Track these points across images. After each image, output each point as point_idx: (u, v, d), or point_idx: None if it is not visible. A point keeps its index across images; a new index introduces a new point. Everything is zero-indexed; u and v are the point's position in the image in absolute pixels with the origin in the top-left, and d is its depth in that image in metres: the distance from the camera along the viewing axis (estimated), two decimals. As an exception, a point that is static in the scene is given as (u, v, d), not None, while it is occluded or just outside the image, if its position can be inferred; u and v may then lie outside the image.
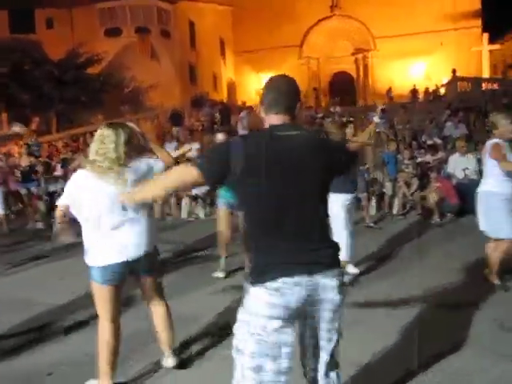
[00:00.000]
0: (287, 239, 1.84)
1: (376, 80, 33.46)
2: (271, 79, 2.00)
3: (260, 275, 1.82)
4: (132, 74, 23.56)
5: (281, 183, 1.83)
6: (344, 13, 33.25)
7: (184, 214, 9.57)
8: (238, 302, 1.93)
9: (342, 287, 1.93)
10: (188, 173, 1.88)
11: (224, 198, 5.09)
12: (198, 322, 3.83)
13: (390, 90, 28.15)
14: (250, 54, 33.69)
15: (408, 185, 8.57)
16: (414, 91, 24.32)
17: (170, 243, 6.43)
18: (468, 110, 15.48)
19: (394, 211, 8.49)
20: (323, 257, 1.87)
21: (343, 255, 3.29)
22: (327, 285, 1.86)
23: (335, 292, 1.88)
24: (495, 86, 19.62)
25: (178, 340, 3.25)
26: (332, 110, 20.45)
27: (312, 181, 1.87)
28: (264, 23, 32.62)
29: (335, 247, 1.95)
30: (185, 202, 9.59)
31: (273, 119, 1.90)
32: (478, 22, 32.57)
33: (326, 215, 1.98)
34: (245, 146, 1.83)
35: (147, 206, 2.82)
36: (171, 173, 2.11)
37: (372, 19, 32.21)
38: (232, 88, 34.73)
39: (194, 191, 9.43)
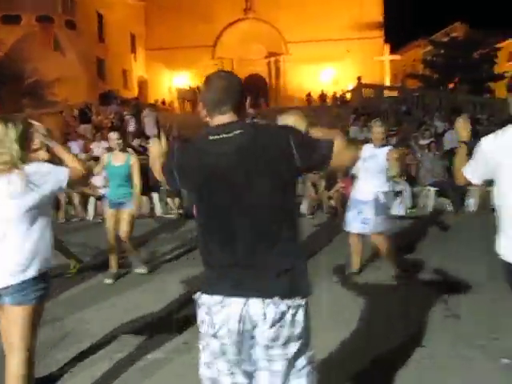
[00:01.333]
0: (225, 255, 1.69)
1: (288, 83, 34.40)
2: (209, 78, 1.78)
3: (202, 286, 1.76)
4: (33, 66, 21.97)
5: (215, 194, 1.69)
6: (257, 16, 33.79)
7: (90, 215, 9.11)
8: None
9: (285, 320, 1.63)
10: None
11: (109, 198, 5.22)
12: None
13: (309, 94, 29.03)
14: (162, 52, 33.00)
15: (315, 186, 8.88)
16: (323, 95, 25.35)
17: (75, 246, 6.04)
18: (372, 115, 16.42)
19: (303, 211, 8.72)
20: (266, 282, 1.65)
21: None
22: (259, 314, 1.63)
23: (268, 325, 1.62)
24: (395, 94, 21.02)
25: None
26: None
27: (256, 188, 1.65)
28: (178, 21, 32.12)
29: (293, 271, 1.67)
30: (91, 202, 9.12)
31: (218, 120, 1.73)
32: (381, 33, 34.78)
33: (288, 228, 1.70)
34: (178, 157, 1.78)
35: (45, 213, 2.35)
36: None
37: (285, 24, 33.08)
38: (144, 85, 33.77)
39: (101, 191, 8.98)
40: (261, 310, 1.62)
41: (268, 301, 1.62)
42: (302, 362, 1.70)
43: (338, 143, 1.72)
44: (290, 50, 34.09)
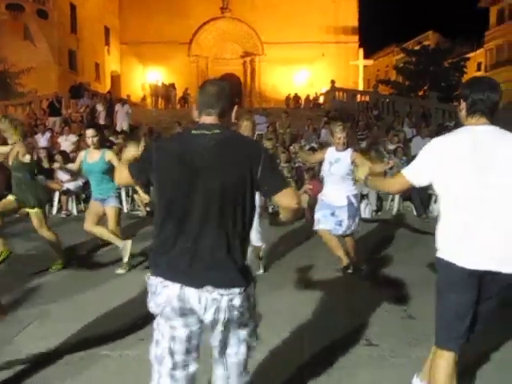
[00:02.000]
0: (175, 239, 1.89)
1: (262, 84, 34.49)
2: (204, 83, 2.08)
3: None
4: (2, 55, 21.37)
5: (180, 176, 1.89)
6: (234, 16, 33.75)
7: (54, 210, 8.95)
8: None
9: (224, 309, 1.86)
10: None
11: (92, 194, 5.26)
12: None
13: (289, 96, 29.04)
14: (137, 46, 32.54)
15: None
16: (297, 97, 25.51)
17: (35, 241, 5.91)
18: (343, 119, 16.65)
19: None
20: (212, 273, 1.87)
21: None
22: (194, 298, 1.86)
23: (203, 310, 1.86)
24: (367, 99, 21.34)
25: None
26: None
27: (216, 180, 1.87)
28: (153, 16, 31.75)
29: (240, 268, 1.89)
30: (55, 197, 8.95)
31: (203, 120, 2.00)
32: (356, 38, 35.26)
33: (236, 225, 1.89)
34: (159, 143, 2.08)
35: None
36: None
37: (261, 25, 33.14)
38: (116, 79, 33.22)
39: (66, 185, 8.84)
40: (195, 294, 1.85)
41: (201, 289, 1.84)
42: (243, 333, 1.98)
43: (289, 192, 1.99)
44: (266, 51, 34.17)
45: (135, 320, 3.59)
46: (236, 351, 1.99)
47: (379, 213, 9.18)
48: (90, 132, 5.09)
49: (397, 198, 9.31)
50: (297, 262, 5.44)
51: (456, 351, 2.27)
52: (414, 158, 2.48)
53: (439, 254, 2.28)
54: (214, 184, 1.86)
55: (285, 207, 2.06)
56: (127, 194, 9.17)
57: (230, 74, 33.56)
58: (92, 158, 5.07)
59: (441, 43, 30.74)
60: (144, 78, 32.94)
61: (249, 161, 1.91)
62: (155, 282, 1.89)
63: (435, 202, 9.00)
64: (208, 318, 1.85)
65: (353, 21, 34.81)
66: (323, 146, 11.73)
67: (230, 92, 2.06)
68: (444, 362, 2.27)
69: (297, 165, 9.57)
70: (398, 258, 5.68)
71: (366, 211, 8.89)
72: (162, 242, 1.91)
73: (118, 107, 16.15)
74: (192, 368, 1.94)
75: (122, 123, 15.69)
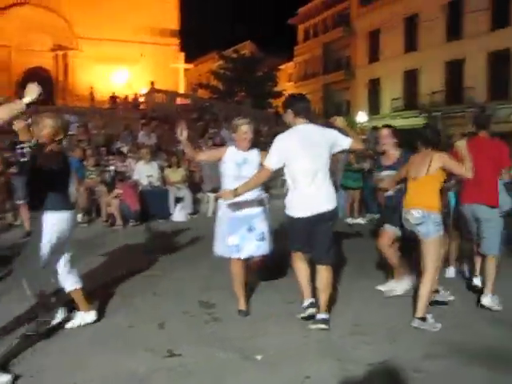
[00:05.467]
0: None
1: (77, 81, 32.14)
2: None
3: None
4: None
5: None
6: (40, 3, 30.62)
7: None
8: None
9: None
10: None
11: None
12: None
13: (92, 92, 27.44)
14: None
15: (93, 192, 8.32)
16: (114, 98, 24.37)
17: None
18: (162, 121, 16.40)
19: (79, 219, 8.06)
20: None
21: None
22: None
23: None
24: (187, 102, 21.51)
25: None
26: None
27: None
28: None
29: None
30: None
31: None
32: (177, 41, 35.41)
33: None
34: None
35: None
36: None
37: (76, 17, 30.93)
38: None
39: None
40: None
41: None
42: None
43: None
44: (82, 47, 31.99)
45: None
46: None
47: (195, 215, 9.17)
48: None
49: (212, 199, 9.42)
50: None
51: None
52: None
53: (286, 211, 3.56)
54: None
55: None
56: None
57: (37, 67, 30.44)
58: None
59: (256, 53, 32.82)
60: None
61: None
62: None
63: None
64: None
65: (173, 24, 34.88)
66: (140, 147, 11.28)
67: None
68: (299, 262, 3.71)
69: (108, 168, 8.97)
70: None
71: (181, 214, 8.80)
72: None
73: None
74: None
75: None
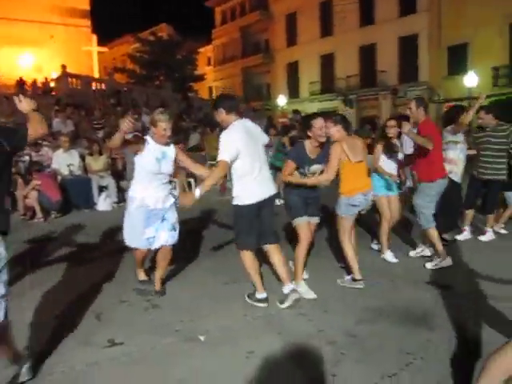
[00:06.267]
0: None
1: (-22, 65, 29.51)
2: None
3: None
4: None
5: None
6: None
7: None
8: None
9: None
10: None
11: None
12: None
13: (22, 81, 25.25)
14: None
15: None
16: (22, 82, 22.64)
17: None
18: (77, 107, 15.57)
19: None
20: None
21: None
22: None
23: None
24: (103, 87, 20.55)
25: None
26: None
27: None
28: None
29: None
30: None
31: None
32: (88, 22, 33.55)
33: None
34: None
35: None
36: None
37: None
38: None
39: None
40: None
41: None
42: None
43: None
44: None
45: None
46: None
47: (121, 204, 8.91)
48: None
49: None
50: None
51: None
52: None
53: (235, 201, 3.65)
54: None
55: None
56: None
57: None
58: None
59: (173, 36, 32.04)
60: None
61: None
62: None
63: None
64: None
65: (83, 3, 32.97)
66: (55, 136, 10.68)
67: None
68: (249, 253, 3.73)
69: (22, 158, 8.41)
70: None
71: (105, 203, 8.52)
72: None
73: None
74: None
75: None
